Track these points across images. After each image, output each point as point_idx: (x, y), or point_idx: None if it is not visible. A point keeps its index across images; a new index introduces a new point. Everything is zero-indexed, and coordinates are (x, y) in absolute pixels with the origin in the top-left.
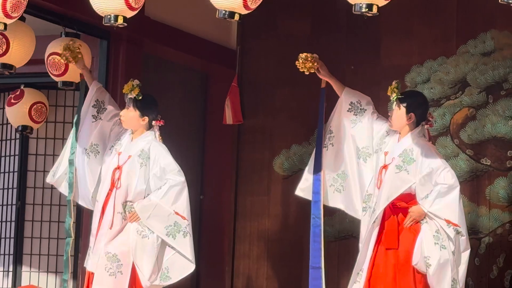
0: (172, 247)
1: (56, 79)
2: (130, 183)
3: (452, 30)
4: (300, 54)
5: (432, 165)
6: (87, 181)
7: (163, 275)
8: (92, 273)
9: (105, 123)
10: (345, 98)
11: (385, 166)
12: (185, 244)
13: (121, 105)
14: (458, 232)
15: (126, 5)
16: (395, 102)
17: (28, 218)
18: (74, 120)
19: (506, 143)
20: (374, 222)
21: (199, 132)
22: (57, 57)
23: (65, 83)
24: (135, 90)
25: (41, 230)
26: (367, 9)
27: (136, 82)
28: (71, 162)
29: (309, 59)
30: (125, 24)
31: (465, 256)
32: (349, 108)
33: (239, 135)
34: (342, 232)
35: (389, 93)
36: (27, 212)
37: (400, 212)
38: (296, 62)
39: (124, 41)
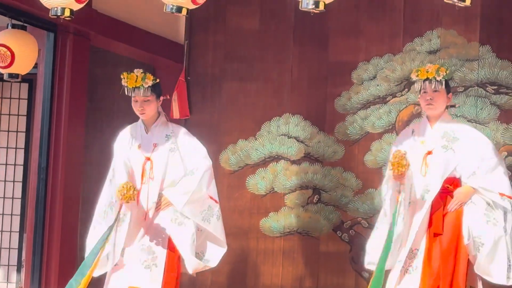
0: (209, 231)
1: (2, 70)
2: (166, 171)
3: (399, 28)
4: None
5: (477, 141)
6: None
7: (201, 259)
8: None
9: None
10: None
11: (429, 152)
12: (219, 227)
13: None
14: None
15: None
16: (436, 84)
17: None
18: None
19: None
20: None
21: None
22: (3, 48)
23: (11, 75)
24: (149, 77)
25: None
26: (314, 6)
27: (140, 70)
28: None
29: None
30: (72, 17)
31: None
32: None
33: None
34: (288, 228)
35: (429, 75)
36: None
37: (447, 195)
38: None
39: (71, 34)
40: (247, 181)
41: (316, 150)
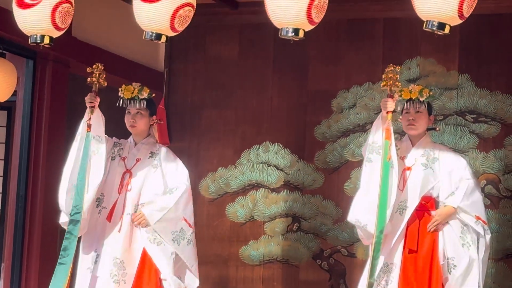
0: (175, 253)
1: None
2: (143, 186)
3: (378, 56)
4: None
5: (455, 162)
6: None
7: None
8: None
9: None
10: None
11: (408, 168)
12: (188, 252)
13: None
14: (485, 230)
15: (53, 25)
16: (418, 105)
17: None
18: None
19: None
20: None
21: None
22: None
23: None
24: (146, 90)
25: None
26: (293, 34)
27: (138, 84)
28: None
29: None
30: (52, 44)
31: (487, 255)
32: None
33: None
34: (267, 256)
35: (413, 96)
36: None
37: (423, 213)
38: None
39: (50, 61)
40: (226, 209)
41: (295, 178)
